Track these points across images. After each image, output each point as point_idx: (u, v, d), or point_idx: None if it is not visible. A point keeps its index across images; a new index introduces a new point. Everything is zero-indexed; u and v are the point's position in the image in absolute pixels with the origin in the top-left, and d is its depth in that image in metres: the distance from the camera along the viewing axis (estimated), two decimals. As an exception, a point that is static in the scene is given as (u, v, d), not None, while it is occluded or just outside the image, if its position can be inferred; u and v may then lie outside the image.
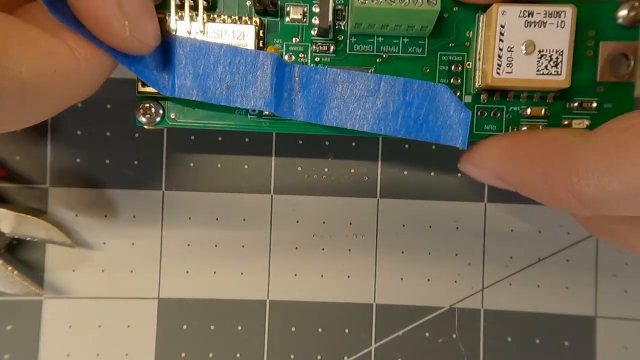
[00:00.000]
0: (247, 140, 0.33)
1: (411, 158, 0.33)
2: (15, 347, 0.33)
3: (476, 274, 0.33)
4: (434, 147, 0.33)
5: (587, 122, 0.27)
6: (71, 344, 0.33)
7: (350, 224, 0.33)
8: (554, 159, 0.23)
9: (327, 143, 0.33)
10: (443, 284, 0.33)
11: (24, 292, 0.31)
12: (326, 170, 0.33)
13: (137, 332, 0.33)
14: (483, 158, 0.26)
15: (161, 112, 0.27)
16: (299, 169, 0.33)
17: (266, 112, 0.27)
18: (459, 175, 0.33)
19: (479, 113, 0.27)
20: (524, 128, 0.27)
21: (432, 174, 0.33)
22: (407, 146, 0.33)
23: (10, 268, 0.31)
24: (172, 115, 0.27)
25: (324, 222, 0.33)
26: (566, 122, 0.27)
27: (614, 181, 0.21)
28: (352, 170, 0.33)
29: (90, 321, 0.33)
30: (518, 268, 0.33)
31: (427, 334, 0.33)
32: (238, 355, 0.33)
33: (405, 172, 0.33)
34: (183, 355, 0.33)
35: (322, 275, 0.33)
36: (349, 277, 0.33)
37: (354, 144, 0.33)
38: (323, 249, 0.33)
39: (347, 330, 0.33)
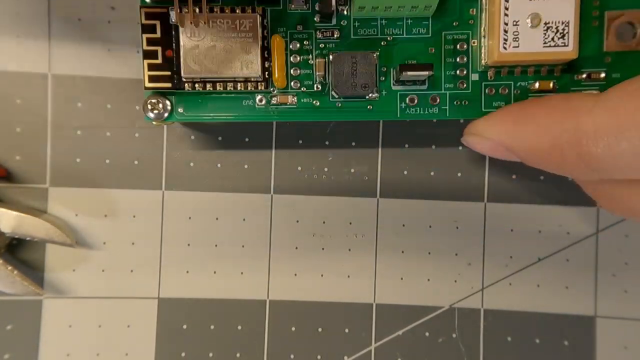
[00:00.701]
0: (247, 140, 0.33)
1: (411, 158, 0.33)
2: (15, 347, 0.33)
3: (476, 274, 0.33)
4: (433, 146, 0.33)
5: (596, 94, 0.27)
6: (71, 344, 0.33)
7: (350, 223, 0.33)
8: (562, 122, 0.23)
9: (327, 143, 0.33)
10: (443, 284, 0.33)
11: (24, 292, 0.31)
12: (326, 170, 0.33)
13: (137, 332, 0.33)
14: (488, 128, 0.25)
15: (169, 107, 0.27)
16: (299, 168, 0.33)
17: (274, 102, 0.27)
18: (459, 175, 0.33)
19: (486, 90, 0.27)
20: None
21: (432, 174, 0.33)
22: (407, 146, 0.33)
23: (10, 268, 0.31)
24: (180, 110, 0.27)
25: (324, 222, 0.33)
26: None
27: (622, 142, 0.21)
28: (352, 170, 0.33)
29: (90, 321, 0.33)
30: (518, 268, 0.33)
31: (427, 334, 0.33)
32: (238, 355, 0.33)
33: (405, 172, 0.33)
34: (183, 355, 0.33)
35: (322, 275, 0.33)
36: (348, 276, 0.33)
37: (353, 143, 0.33)
38: (323, 249, 0.33)
39: (347, 330, 0.33)
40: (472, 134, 0.26)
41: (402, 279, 0.33)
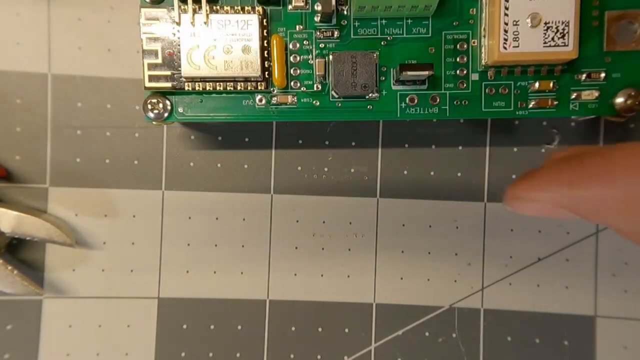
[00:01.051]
0: (247, 140, 0.33)
1: (411, 158, 0.33)
2: (15, 347, 0.33)
3: (476, 274, 0.33)
4: (433, 146, 0.33)
5: (596, 94, 0.27)
6: (71, 344, 0.33)
7: (350, 223, 0.33)
8: (632, 174, 0.21)
9: (327, 143, 0.33)
10: (443, 284, 0.33)
11: (24, 291, 0.31)
12: (326, 170, 0.33)
13: (137, 332, 0.33)
14: (539, 192, 0.23)
15: (169, 107, 0.27)
16: (299, 168, 0.33)
17: (274, 102, 0.27)
18: (459, 175, 0.33)
19: (487, 90, 0.27)
20: (534, 103, 0.27)
21: (432, 174, 0.33)
22: (407, 146, 0.33)
23: (10, 268, 0.31)
24: (180, 110, 0.27)
25: (324, 222, 0.33)
26: (575, 95, 0.27)
27: None
28: (352, 170, 0.33)
29: (90, 321, 0.33)
30: (518, 267, 0.33)
31: (427, 334, 0.33)
32: (238, 355, 0.33)
33: (405, 172, 0.33)
34: (183, 355, 0.33)
35: (322, 275, 0.33)
36: (348, 276, 0.33)
37: (353, 143, 0.33)
38: (323, 249, 0.33)
39: (347, 330, 0.33)
40: (519, 199, 0.24)
41: (402, 278, 0.33)
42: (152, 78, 0.26)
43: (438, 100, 0.28)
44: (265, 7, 0.27)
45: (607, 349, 0.33)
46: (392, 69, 0.27)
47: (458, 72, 0.27)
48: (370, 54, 0.27)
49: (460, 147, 0.33)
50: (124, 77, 0.32)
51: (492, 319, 0.33)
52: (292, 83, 0.27)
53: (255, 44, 0.26)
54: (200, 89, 0.27)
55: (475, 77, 0.27)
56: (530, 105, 0.27)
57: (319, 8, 0.27)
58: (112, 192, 0.33)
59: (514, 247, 0.33)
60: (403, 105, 0.28)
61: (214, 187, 0.33)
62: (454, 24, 0.27)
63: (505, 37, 0.25)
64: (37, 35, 0.32)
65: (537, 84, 0.27)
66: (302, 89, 0.27)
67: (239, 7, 0.26)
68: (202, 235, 0.33)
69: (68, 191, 0.33)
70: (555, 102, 0.27)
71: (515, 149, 0.33)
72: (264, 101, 0.27)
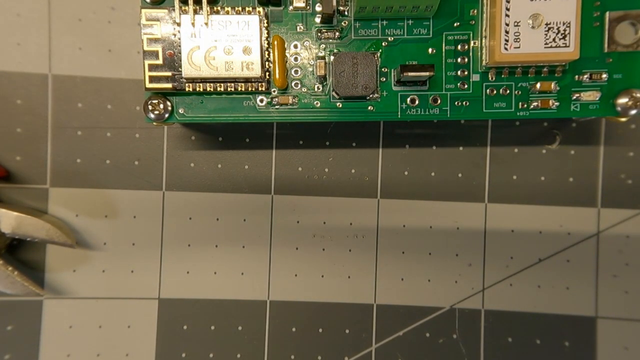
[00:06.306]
0: (247, 140, 0.33)
1: (411, 158, 0.33)
2: (15, 348, 0.33)
3: (477, 274, 0.33)
4: (434, 147, 0.33)
5: (597, 94, 0.27)
6: (71, 344, 0.33)
7: (351, 224, 0.33)
8: None
9: (327, 143, 0.33)
10: (443, 284, 0.33)
11: (24, 292, 0.31)
12: (326, 170, 0.33)
13: (137, 332, 0.33)
14: None
15: (170, 107, 0.27)
16: (299, 169, 0.33)
17: (274, 102, 0.27)
18: (460, 175, 0.33)
19: (487, 91, 0.27)
20: (535, 104, 0.27)
21: (432, 174, 0.33)
22: (407, 146, 0.33)
23: (10, 268, 0.31)
24: (181, 111, 0.27)
25: (324, 222, 0.33)
26: (576, 96, 0.27)
27: None
28: (353, 171, 0.33)
29: (90, 321, 0.33)
30: (519, 268, 0.33)
31: (427, 335, 0.33)
32: (238, 355, 0.33)
33: (405, 172, 0.33)
34: (183, 355, 0.33)
35: (322, 276, 0.33)
36: (349, 277, 0.33)
37: (354, 144, 0.33)
38: (323, 249, 0.33)
39: (347, 331, 0.33)
40: None
41: (402, 279, 0.33)
42: (152, 79, 0.26)
43: (439, 101, 0.27)
44: (265, 8, 0.27)
45: (608, 350, 0.33)
46: (392, 70, 0.27)
47: (459, 73, 0.27)
48: (371, 54, 0.27)
49: (460, 148, 0.33)
50: (124, 77, 0.32)
51: (492, 320, 0.33)
52: (292, 84, 0.27)
53: (255, 45, 0.26)
54: (201, 89, 0.27)
55: (476, 78, 0.27)
56: (532, 106, 0.27)
57: (320, 9, 0.27)
58: (113, 193, 0.33)
59: (515, 247, 0.33)
60: (404, 106, 0.28)
61: (214, 187, 0.33)
62: (455, 24, 0.27)
63: (506, 38, 0.25)
64: (38, 36, 0.32)
65: (538, 85, 0.27)
66: (302, 89, 0.27)
67: (240, 8, 0.26)
68: (202, 235, 0.33)
69: (68, 192, 0.33)
70: (557, 103, 0.27)
71: (516, 150, 0.33)
72: (264, 102, 0.27)
